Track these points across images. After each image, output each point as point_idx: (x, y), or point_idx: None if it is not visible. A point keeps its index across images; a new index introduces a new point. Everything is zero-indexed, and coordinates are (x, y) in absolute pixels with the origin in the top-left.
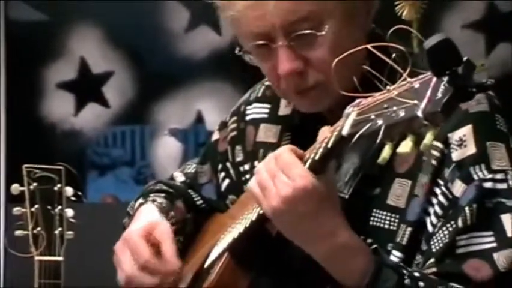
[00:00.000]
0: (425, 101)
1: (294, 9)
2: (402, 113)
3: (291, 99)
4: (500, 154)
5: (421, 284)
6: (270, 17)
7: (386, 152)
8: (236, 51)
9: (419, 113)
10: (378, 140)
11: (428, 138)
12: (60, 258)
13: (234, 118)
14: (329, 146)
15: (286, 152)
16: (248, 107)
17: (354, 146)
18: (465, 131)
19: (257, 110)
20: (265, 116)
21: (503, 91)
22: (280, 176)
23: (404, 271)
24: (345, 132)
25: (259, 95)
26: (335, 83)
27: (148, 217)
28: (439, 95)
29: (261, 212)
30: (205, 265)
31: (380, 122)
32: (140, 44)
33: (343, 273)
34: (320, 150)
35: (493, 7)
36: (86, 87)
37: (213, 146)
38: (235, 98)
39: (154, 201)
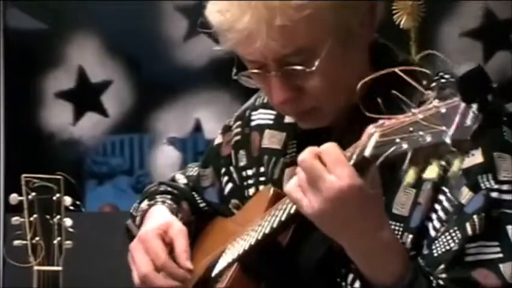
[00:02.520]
0: (453, 127)
1: (283, 45)
2: (429, 138)
3: (293, 119)
4: (507, 165)
5: None
6: (260, 51)
7: (410, 176)
8: (233, 76)
9: (448, 140)
10: (405, 165)
11: (456, 165)
12: (59, 268)
13: (239, 122)
14: (351, 163)
15: (333, 148)
16: (253, 113)
17: (377, 167)
18: None
19: (262, 116)
20: (271, 122)
21: (502, 99)
22: (325, 175)
23: (432, 278)
24: (367, 153)
25: (265, 101)
26: (336, 98)
27: (162, 217)
28: (468, 122)
29: (293, 211)
30: (213, 274)
31: (405, 145)
32: (138, 53)
33: (379, 272)
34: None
35: (491, 15)
36: (85, 96)
37: (216, 149)
38: (233, 107)
39: (163, 202)
